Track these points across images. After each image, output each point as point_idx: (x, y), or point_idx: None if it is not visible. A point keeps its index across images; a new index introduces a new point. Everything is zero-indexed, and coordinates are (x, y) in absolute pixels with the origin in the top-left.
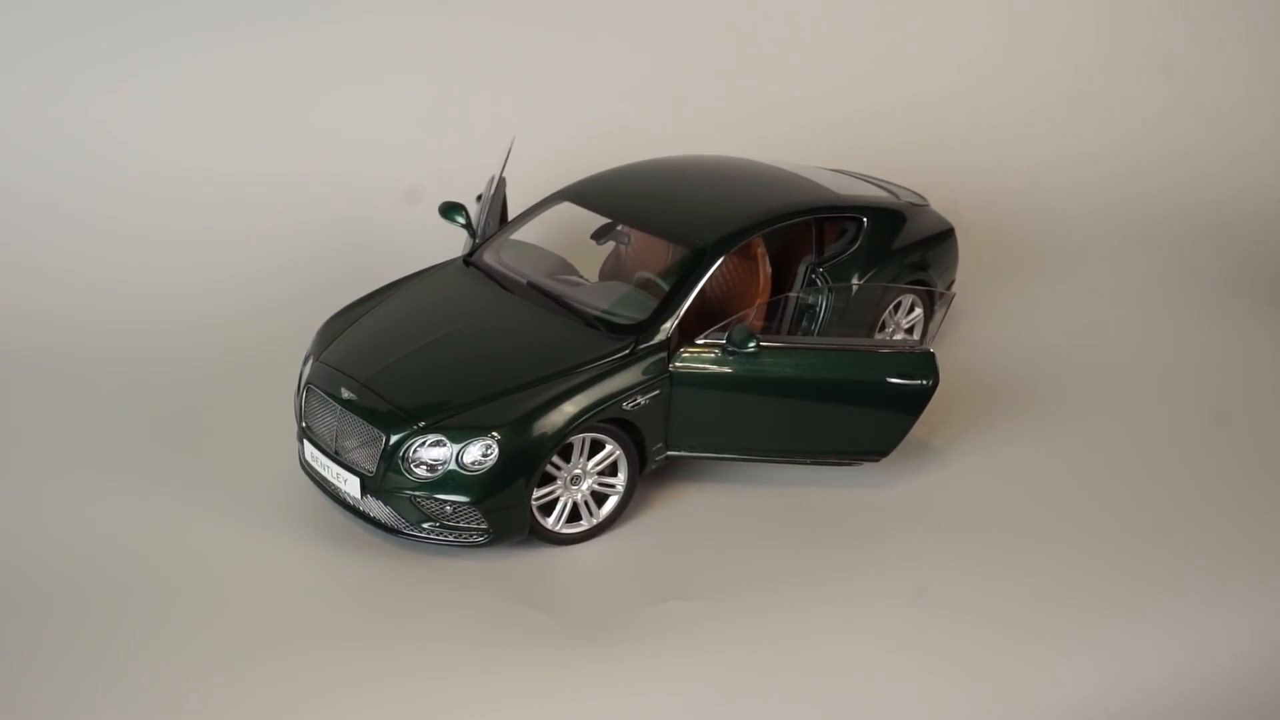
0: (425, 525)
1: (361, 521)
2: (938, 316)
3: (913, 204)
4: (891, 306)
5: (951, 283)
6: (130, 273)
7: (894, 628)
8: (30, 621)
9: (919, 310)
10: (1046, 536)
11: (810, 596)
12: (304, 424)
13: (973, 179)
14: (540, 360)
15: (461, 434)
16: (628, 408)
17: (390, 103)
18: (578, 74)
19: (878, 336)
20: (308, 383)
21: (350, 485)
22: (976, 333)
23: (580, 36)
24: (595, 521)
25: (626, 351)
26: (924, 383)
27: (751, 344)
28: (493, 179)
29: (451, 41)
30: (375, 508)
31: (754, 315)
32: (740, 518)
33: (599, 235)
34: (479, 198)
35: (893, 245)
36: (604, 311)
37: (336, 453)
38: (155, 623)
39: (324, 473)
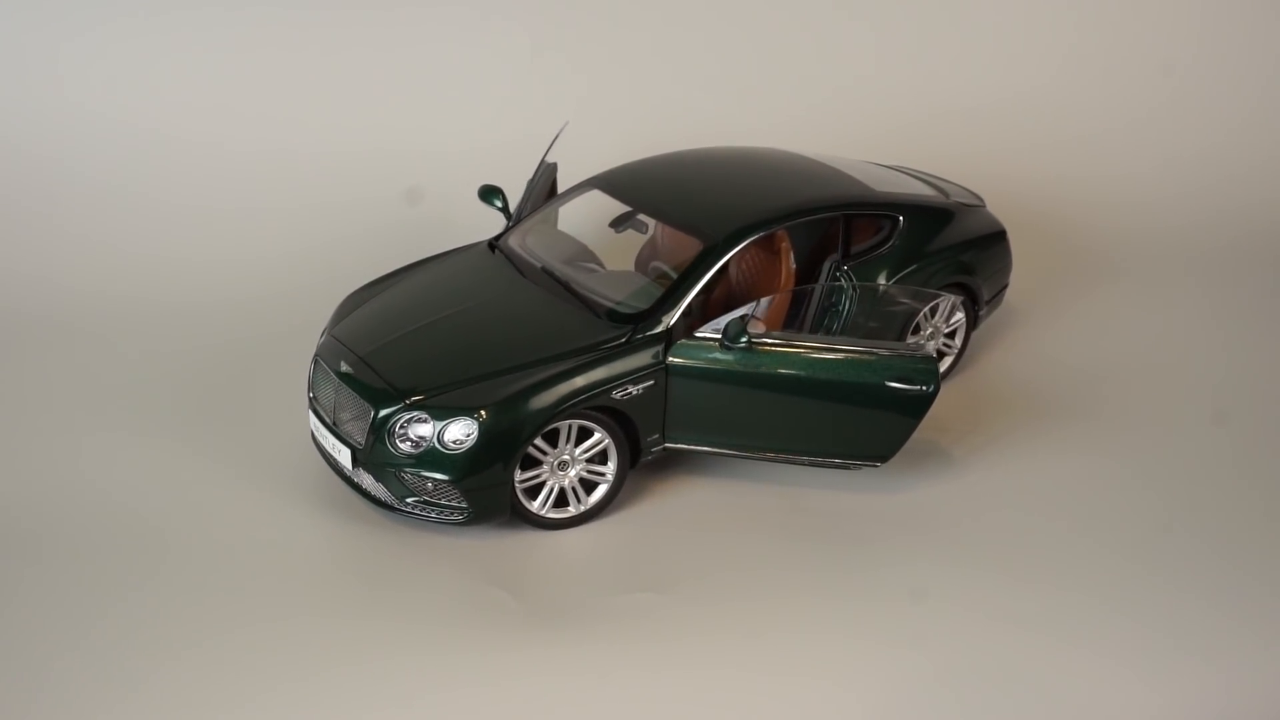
0: (409, 500)
1: (356, 493)
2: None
3: (964, 204)
4: (928, 309)
5: (1004, 287)
6: (174, 250)
7: (881, 629)
8: (41, 564)
9: (960, 314)
10: (1049, 551)
11: (791, 595)
12: (311, 395)
13: (1043, 183)
14: (535, 344)
15: (445, 412)
16: (618, 397)
17: (438, 85)
18: (644, 61)
19: (910, 339)
20: (316, 355)
21: (344, 456)
22: (1025, 339)
23: (656, 19)
24: (583, 509)
25: (622, 340)
26: (924, 388)
27: (743, 339)
28: (541, 163)
29: (504, 23)
30: (366, 480)
31: (761, 309)
32: (734, 515)
33: (617, 223)
34: (530, 181)
35: (931, 245)
36: (610, 300)
37: (334, 424)
38: (130, 568)
39: (323, 443)
